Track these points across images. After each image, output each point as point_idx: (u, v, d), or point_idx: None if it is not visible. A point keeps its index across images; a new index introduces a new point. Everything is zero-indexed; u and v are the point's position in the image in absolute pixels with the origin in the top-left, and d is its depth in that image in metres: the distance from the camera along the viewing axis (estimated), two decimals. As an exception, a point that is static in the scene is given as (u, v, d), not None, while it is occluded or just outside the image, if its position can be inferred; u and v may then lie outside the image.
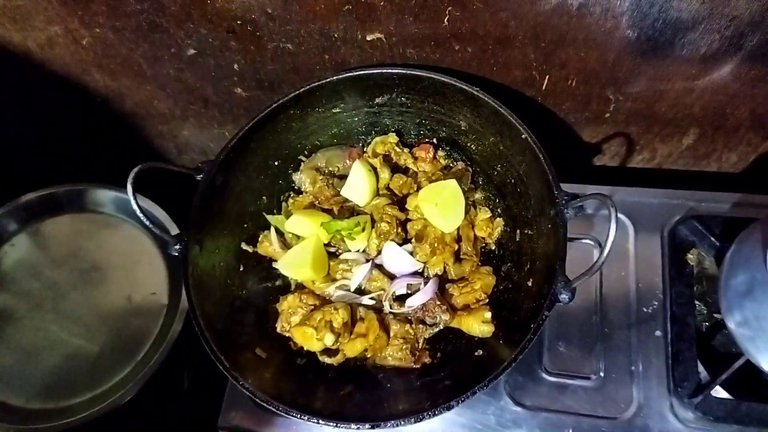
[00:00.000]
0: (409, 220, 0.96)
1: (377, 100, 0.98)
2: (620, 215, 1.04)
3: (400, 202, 0.98)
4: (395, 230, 0.94)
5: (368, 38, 0.94)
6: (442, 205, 0.92)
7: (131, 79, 1.10)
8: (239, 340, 0.86)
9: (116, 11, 0.94)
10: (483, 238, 0.97)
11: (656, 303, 0.97)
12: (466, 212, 0.96)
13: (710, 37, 0.86)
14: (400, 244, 0.94)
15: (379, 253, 0.94)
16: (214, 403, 0.97)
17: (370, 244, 0.95)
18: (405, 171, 1.01)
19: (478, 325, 0.86)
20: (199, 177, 0.88)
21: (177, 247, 0.84)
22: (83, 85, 1.12)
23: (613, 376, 0.93)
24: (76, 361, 1.05)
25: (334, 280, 0.95)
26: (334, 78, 0.93)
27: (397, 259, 0.92)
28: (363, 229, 0.93)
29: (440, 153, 1.02)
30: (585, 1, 0.82)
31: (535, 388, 0.93)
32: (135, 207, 0.78)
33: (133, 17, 0.95)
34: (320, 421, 0.75)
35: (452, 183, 0.94)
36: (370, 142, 1.03)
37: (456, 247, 0.94)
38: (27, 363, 1.05)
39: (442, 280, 0.93)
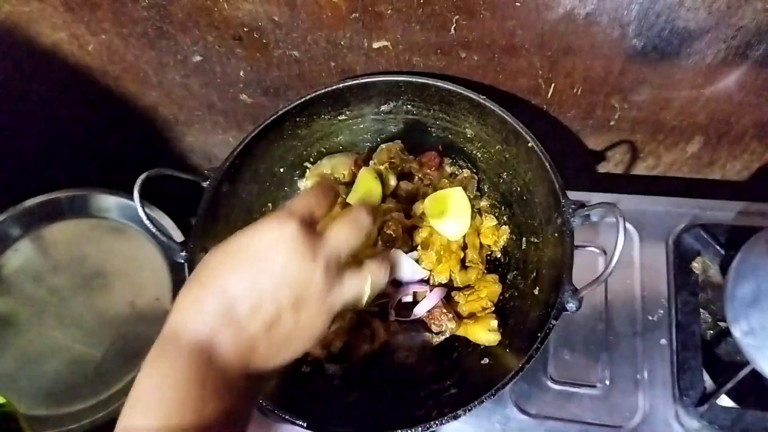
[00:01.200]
0: (416, 227, 0.96)
1: (383, 108, 0.98)
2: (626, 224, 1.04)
3: (405, 210, 0.98)
4: (401, 237, 0.94)
5: (375, 46, 0.94)
6: (448, 212, 0.92)
7: (136, 85, 1.10)
8: (244, 347, 0.86)
9: (122, 18, 0.94)
10: (489, 245, 0.97)
11: (661, 311, 0.97)
12: (472, 219, 0.96)
13: (717, 46, 0.86)
14: (406, 252, 0.94)
15: (385, 260, 0.94)
16: (217, 410, 0.96)
17: (375, 251, 0.94)
18: (411, 178, 1.01)
19: (485, 334, 0.86)
20: (205, 184, 0.88)
21: (183, 254, 0.83)
22: (87, 90, 1.12)
23: (619, 384, 0.93)
24: (78, 367, 1.05)
25: (340, 287, 0.94)
26: (340, 85, 0.93)
27: (403, 266, 0.92)
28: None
29: (446, 160, 1.02)
30: (592, 10, 0.83)
31: (541, 396, 0.93)
32: (142, 214, 0.78)
33: (140, 24, 0.95)
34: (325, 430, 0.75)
35: (458, 191, 0.94)
36: (376, 149, 1.03)
37: (462, 254, 0.94)
38: (29, 369, 1.05)
39: (448, 287, 0.93)
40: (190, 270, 0.83)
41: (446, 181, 1.00)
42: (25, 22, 0.97)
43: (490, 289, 0.91)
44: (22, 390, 1.03)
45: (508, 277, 0.93)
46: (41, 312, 1.10)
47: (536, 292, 0.85)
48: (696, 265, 1.00)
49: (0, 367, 1.05)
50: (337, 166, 1.03)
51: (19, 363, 1.05)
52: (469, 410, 0.73)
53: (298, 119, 0.96)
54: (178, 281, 1.13)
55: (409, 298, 0.92)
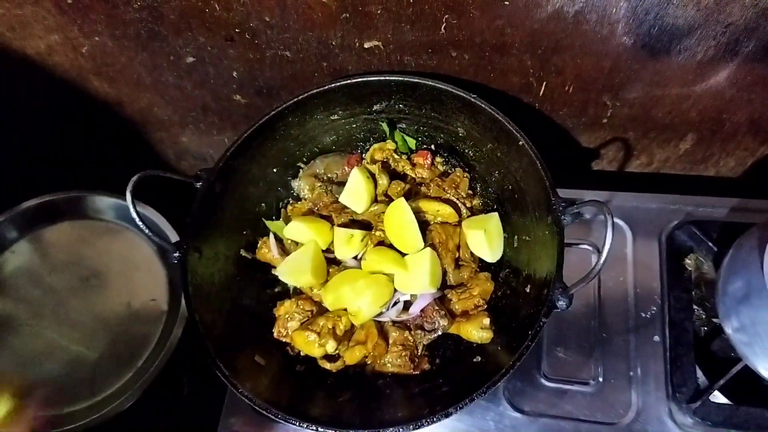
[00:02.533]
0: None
1: (375, 107, 0.98)
2: (618, 220, 1.04)
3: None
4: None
5: (366, 46, 0.94)
6: (489, 233, 0.91)
7: (130, 87, 1.10)
8: (238, 347, 0.87)
9: (115, 20, 0.94)
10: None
11: (654, 308, 0.98)
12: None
13: (706, 43, 0.87)
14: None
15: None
16: (213, 409, 0.97)
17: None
18: (403, 177, 1.02)
19: (477, 332, 0.86)
20: (198, 184, 0.88)
21: (176, 254, 0.84)
22: (82, 92, 1.13)
23: (612, 381, 0.93)
24: (75, 368, 1.05)
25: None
26: (332, 85, 0.94)
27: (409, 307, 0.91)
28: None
29: (438, 159, 1.02)
30: (581, 8, 0.83)
31: (534, 394, 0.93)
32: (134, 215, 0.78)
33: (132, 26, 0.95)
34: (319, 428, 0.75)
35: (495, 216, 0.94)
36: (368, 149, 1.04)
37: (457, 254, 0.94)
38: (26, 370, 1.05)
39: (441, 286, 0.93)
40: (183, 270, 0.83)
41: (438, 179, 1.00)
42: (18, 25, 0.97)
43: (483, 287, 0.91)
44: (20, 391, 1.03)
45: (501, 275, 0.94)
46: (38, 313, 1.10)
47: (528, 289, 0.85)
48: (689, 262, 1.01)
49: (-3, 368, 1.05)
50: (330, 166, 1.03)
51: (16, 364, 1.05)
52: (461, 408, 0.74)
53: (290, 119, 0.96)
54: (174, 282, 1.13)
55: (406, 298, 0.92)
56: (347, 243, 0.92)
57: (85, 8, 0.93)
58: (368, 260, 0.91)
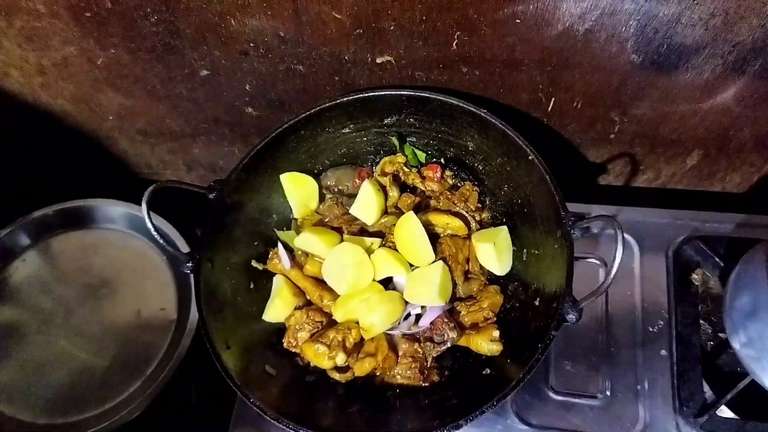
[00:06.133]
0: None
1: (386, 121, 1.00)
2: (625, 235, 1.05)
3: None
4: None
5: (378, 61, 0.96)
6: (498, 246, 0.92)
7: (144, 98, 1.12)
8: (249, 357, 0.87)
9: (132, 33, 0.96)
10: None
11: (662, 322, 0.98)
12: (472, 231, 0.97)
13: (714, 61, 0.88)
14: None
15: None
16: (222, 418, 0.97)
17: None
18: (413, 190, 1.03)
19: (487, 344, 0.87)
20: (211, 195, 0.89)
21: (189, 264, 0.85)
22: (96, 102, 1.14)
23: (619, 395, 0.94)
24: (84, 376, 1.06)
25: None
26: (344, 99, 0.95)
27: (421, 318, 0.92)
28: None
29: (448, 173, 1.03)
30: (591, 26, 0.84)
31: (542, 407, 0.94)
32: (150, 226, 0.79)
33: (148, 39, 0.97)
34: (329, 439, 0.76)
35: (504, 229, 0.95)
36: (378, 162, 1.05)
37: (466, 266, 0.95)
38: (36, 378, 1.06)
39: (451, 298, 0.94)
40: (196, 280, 0.84)
41: (448, 193, 1.01)
42: (36, 37, 0.99)
43: (492, 299, 0.92)
44: (29, 399, 1.03)
45: (509, 288, 0.94)
46: (48, 321, 1.11)
47: (537, 303, 0.86)
48: (696, 277, 1.01)
49: (6, 376, 1.06)
50: (341, 178, 1.04)
51: (25, 372, 1.06)
52: (471, 420, 0.74)
53: (302, 132, 0.97)
54: (183, 291, 1.14)
55: (417, 311, 0.92)
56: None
57: (102, 22, 0.94)
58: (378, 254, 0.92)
